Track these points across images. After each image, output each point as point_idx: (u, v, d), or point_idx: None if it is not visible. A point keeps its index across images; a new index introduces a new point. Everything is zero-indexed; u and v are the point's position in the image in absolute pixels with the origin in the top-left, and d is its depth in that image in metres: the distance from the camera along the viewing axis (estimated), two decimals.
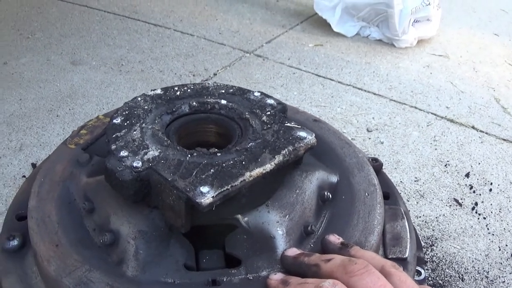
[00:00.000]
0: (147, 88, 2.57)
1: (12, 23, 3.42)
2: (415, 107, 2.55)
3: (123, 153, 0.96)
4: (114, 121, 1.07)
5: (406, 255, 1.11)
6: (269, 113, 1.11)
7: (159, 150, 0.97)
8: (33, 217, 1.06)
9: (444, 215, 1.85)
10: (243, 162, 0.93)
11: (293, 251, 0.95)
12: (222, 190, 0.86)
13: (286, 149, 0.98)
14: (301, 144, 1.00)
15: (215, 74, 2.79)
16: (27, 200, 1.13)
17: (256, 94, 1.19)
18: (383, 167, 1.37)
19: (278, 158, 0.96)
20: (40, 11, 3.65)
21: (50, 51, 3.03)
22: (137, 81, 2.68)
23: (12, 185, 1.87)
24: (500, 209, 1.90)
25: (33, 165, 1.97)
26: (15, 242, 1.07)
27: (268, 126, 1.06)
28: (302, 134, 1.03)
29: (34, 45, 3.10)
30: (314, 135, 1.04)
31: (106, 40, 3.22)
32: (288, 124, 1.06)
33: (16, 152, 2.07)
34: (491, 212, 1.88)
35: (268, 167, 0.93)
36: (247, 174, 0.90)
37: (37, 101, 2.47)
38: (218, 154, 0.97)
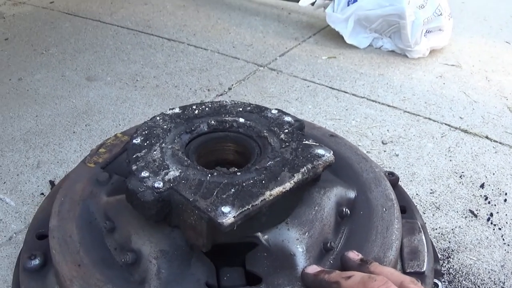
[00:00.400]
0: (163, 104, 2.59)
1: (26, 38, 3.44)
2: (429, 118, 2.54)
3: (144, 173, 0.97)
4: (134, 141, 1.08)
5: (424, 268, 1.12)
6: (287, 130, 1.12)
7: (179, 170, 0.98)
8: (55, 236, 1.07)
9: (460, 226, 1.85)
10: (263, 181, 0.94)
11: (313, 269, 0.95)
12: (243, 210, 0.87)
13: (305, 167, 0.99)
14: (320, 162, 1.01)
15: (229, 89, 2.79)
16: (46, 219, 1.14)
17: (274, 111, 1.20)
18: (399, 180, 1.38)
19: (298, 177, 0.96)
20: (54, 26, 3.67)
21: (64, 66, 3.04)
22: (153, 96, 2.68)
23: (30, 202, 1.88)
24: None
25: (51, 182, 1.98)
26: (36, 262, 1.08)
27: (287, 144, 1.07)
28: (320, 151, 1.04)
29: (48, 61, 3.11)
30: (332, 152, 1.04)
31: (120, 55, 3.23)
32: (306, 142, 1.07)
33: (34, 169, 2.08)
34: (506, 222, 1.87)
35: (288, 185, 0.94)
36: (267, 193, 0.91)
37: (53, 117, 2.48)
38: (238, 174, 0.98)
